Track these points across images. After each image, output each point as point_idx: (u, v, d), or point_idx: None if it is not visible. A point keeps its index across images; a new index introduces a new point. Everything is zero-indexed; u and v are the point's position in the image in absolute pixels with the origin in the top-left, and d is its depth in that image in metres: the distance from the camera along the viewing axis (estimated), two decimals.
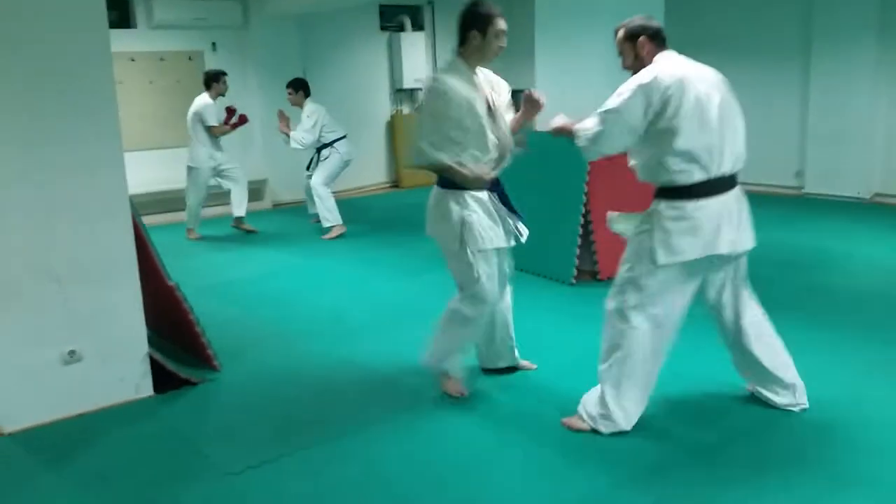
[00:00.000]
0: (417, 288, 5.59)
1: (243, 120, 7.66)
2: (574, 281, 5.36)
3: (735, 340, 3.23)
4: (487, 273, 3.35)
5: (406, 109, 10.71)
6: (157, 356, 3.72)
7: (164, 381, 3.77)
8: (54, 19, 3.34)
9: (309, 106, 7.44)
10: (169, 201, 8.64)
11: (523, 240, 3.51)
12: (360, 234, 7.46)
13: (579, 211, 5.32)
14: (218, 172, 7.71)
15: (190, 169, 7.65)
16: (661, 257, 2.94)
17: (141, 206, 8.27)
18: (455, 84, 3.23)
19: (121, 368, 3.65)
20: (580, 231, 5.33)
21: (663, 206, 2.98)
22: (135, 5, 8.45)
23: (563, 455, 3.00)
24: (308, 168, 7.85)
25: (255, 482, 2.89)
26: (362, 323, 4.78)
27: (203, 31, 8.84)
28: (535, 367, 3.86)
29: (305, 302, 5.32)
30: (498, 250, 3.42)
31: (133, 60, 8.49)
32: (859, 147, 7.84)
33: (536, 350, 4.01)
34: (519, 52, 6.77)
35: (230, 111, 7.64)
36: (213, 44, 8.96)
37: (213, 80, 7.50)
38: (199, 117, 7.44)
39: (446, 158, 3.23)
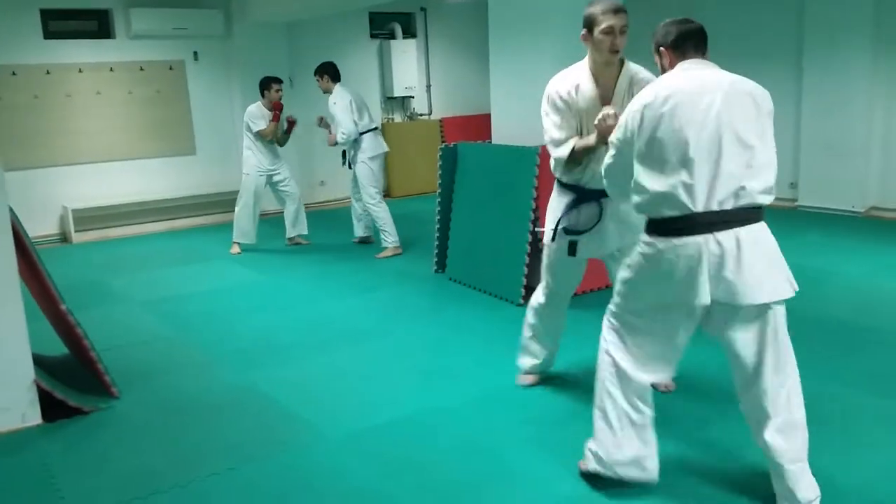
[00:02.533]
0: (364, 306, 5.39)
1: (278, 107, 7.15)
2: (523, 301, 5.08)
3: None
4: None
5: (397, 118, 10.52)
6: (43, 383, 3.56)
7: (60, 408, 3.62)
8: None
9: (334, 93, 6.78)
10: (147, 212, 8.57)
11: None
12: (332, 248, 7.27)
13: (527, 227, 5.05)
14: (272, 183, 7.28)
15: (243, 176, 7.28)
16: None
17: (119, 216, 8.40)
18: (554, 81, 3.32)
19: (5, 397, 3.50)
20: (528, 248, 5.06)
21: (641, 239, 2.59)
22: (114, 16, 8.40)
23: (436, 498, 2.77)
24: (344, 164, 7.10)
25: None
26: (289, 346, 4.58)
27: (184, 40, 8.75)
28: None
29: (244, 322, 5.13)
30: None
31: (112, 70, 8.43)
32: (854, 159, 7.40)
33: (466, 373, 3.85)
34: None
35: (276, 107, 7.17)
36: (195, 53, 8.87)
37: (264, 89, 7.16)
38: (246, 124, 7.15)
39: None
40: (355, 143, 6.79)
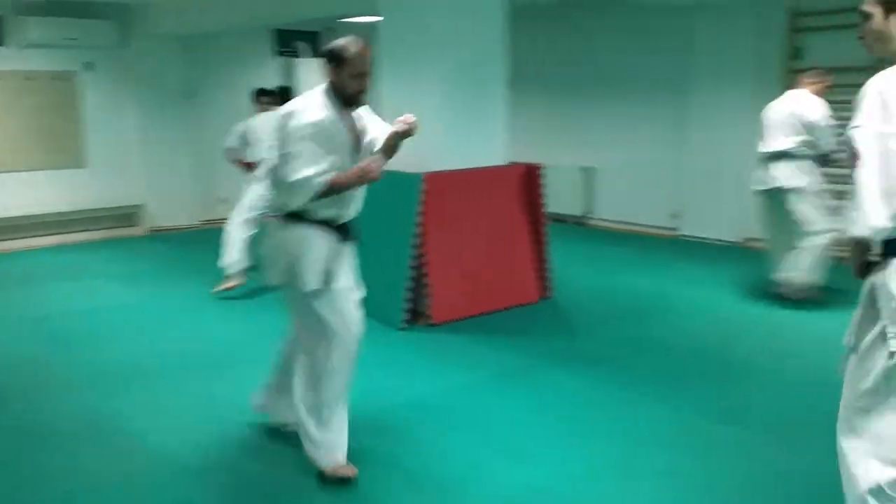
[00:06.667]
0: (245, 330, 5.31)
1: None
2: (404, 325, 5.13)
3: None
4: None
5: None
6: None
7: None
8: None
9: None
10: (33, 226, 8.25)
11: None
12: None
13: (409, 252, 5.10)
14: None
15: None
16: None
17: (3, 230, 8.04)
18: None
19: None
20: (411, 272, 5.12)
21: None
22: (4, 23, 8.08)
23: None
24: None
25: None
26: (161, 371, 4.47)
27: (76, 50, 8.47)
28: None
29: (122, 343, 5.00)
30: None
31: None
32: (732, 190, 7.76)
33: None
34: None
35: None
36: (88, 63, 8.61)
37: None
38: None
39: None
40: None
